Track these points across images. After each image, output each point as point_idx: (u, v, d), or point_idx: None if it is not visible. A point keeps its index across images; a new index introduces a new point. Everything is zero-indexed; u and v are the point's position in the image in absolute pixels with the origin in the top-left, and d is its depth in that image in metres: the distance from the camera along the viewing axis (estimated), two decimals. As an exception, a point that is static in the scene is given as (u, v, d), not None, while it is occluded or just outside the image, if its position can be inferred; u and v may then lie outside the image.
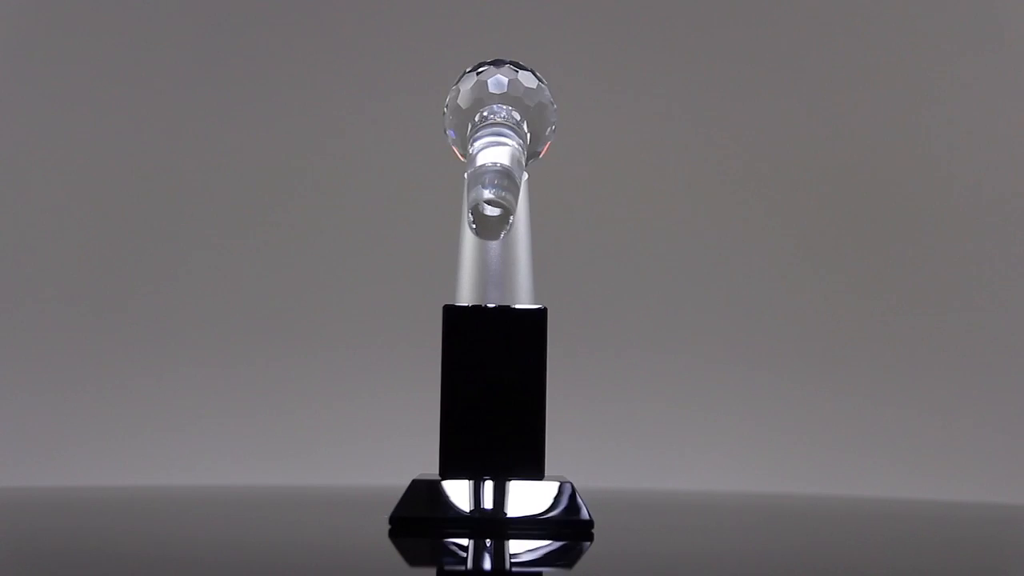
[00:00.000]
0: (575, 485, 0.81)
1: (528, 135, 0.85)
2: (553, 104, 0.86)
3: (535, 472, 0.79)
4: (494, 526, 0.78)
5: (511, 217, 0.77)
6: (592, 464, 1.69)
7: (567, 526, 0.79)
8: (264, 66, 1.78)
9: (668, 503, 1.13)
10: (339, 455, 1.72)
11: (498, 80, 0.85)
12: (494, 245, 0.82)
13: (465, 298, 0.81)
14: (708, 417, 1.74)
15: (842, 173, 1.78)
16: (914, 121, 1.77)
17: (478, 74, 0.86)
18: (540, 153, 0.87)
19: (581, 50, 1.77)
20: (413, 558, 0.74)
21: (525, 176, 0.83)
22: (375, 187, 1.77)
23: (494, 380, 0.80)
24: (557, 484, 0.81)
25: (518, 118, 0.84)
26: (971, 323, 1.75)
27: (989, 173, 1.77)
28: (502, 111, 0.84)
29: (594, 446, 1.72)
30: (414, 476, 0.81)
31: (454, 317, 0.80)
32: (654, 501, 1.14)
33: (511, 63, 0.87)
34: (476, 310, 0.81)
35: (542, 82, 0.86)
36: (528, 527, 0.78)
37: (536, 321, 0.81)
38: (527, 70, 0.87)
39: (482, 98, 0.85)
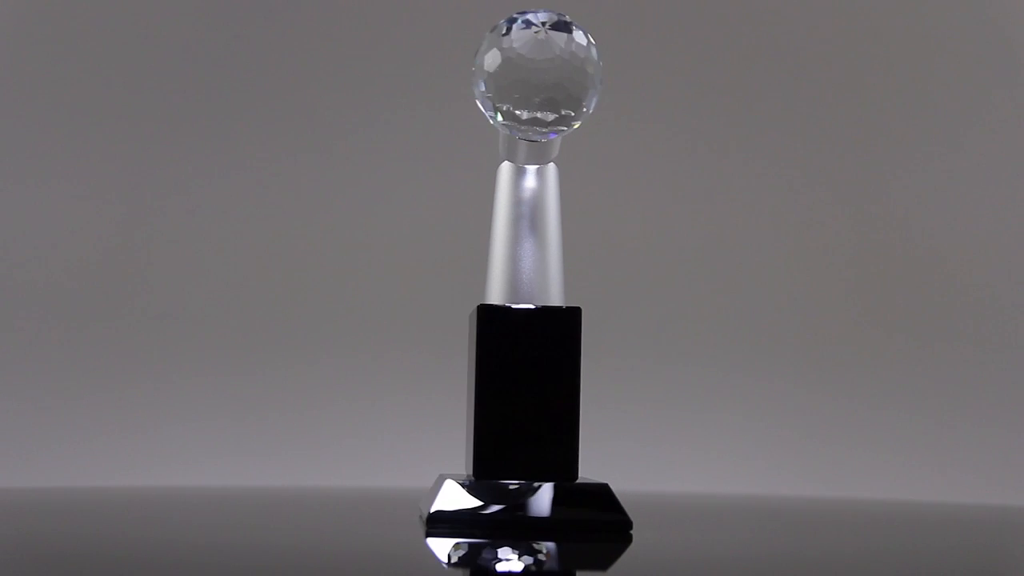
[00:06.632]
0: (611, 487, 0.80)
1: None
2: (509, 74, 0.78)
3: (569, 474, 0.78)
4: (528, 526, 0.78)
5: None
6: (596, 466, 1.69)
7: (606, 526, 0.78)
8: (276, 68, 1.77)
9: (669, 504, 1.13)
10: (355, 456, 1.72)
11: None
12: (527, 244, 0.80)
13: (496, 297, 0.80)
14: (708, 420, 1.74)
15: (842, 186, 1.79)
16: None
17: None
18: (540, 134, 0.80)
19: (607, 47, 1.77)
20: (449, 558, 0.74)
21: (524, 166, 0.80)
22: (385, 186, 1.76)
23: (528, 381, 0.78)
24: (596, 485, 0.80)
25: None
26: (969, 326, 1.76)
27: (995, 226, 1.79)
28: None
29: (600, 447, 1.72)
30: (439, 475, 0.80)
31: (488, 317, 0.79)
32: (662, 503, 1.14)
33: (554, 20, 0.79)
34: (509, 310, 0.79)
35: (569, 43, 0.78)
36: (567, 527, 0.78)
37: (570, 321, 0.79)
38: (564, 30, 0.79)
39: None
